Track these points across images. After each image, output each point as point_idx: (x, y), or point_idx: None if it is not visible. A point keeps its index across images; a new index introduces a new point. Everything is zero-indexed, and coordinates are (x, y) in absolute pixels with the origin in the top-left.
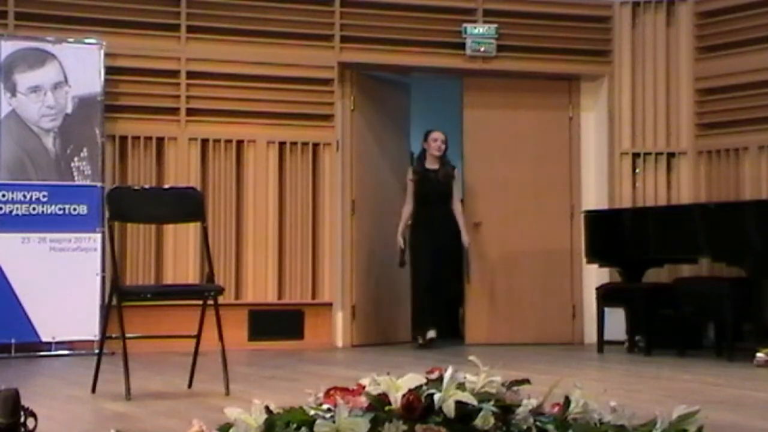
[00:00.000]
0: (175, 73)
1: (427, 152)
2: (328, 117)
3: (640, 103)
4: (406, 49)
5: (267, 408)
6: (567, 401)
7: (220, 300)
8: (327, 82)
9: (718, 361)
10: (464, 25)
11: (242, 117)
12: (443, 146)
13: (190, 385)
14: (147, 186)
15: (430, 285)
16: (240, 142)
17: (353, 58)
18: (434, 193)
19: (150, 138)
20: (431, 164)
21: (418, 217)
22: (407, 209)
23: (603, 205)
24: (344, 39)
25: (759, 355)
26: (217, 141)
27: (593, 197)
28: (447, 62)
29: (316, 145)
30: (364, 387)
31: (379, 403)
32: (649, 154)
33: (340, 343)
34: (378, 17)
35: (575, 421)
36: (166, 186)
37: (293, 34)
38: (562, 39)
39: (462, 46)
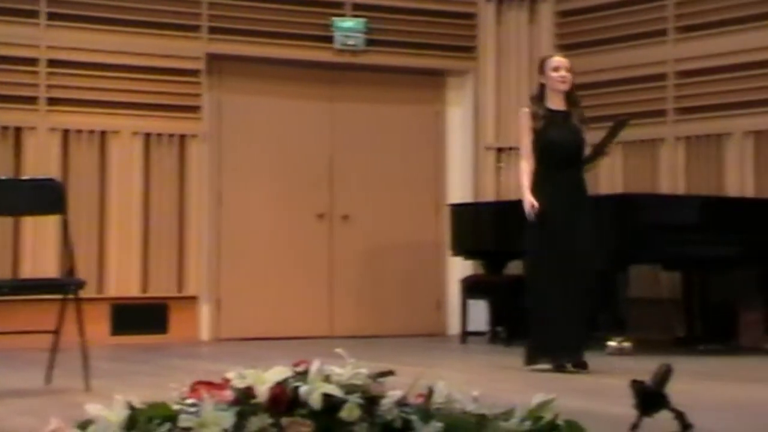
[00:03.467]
0: (33, 61)
1: (547, 87)
2: (195, 108)
3: (503, 98)
4: (276, 41)
5: (129, 404)
6: (431, 392)
7: (82, 294)
8: (194, 73)
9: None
10: (333, 18)
11: (106, 107)
12: (570, 76)
13: (48, 382)
14: (3, 177)
15: (561, 290)
16: (104, 133)
17: (221, 50)
18: (567, 145)
19: (7, 127)
20: (556, 104)
21: (543, 182)
22: (527, 165)
23: (468, 198)
24: (212, 30)
25: (610, 343)
26: (79, 131)
27: (458, 191)
28: (316, 55)
29: (183, 137)
30: (229, 381)
31: (245, 397)
32: (513, 148)
33: (205, 337)
34: (246, 9)
35: (439, 411)
36: (24, 177)
37: (160, 24)
38: (429, 34)
39: (331, 39)
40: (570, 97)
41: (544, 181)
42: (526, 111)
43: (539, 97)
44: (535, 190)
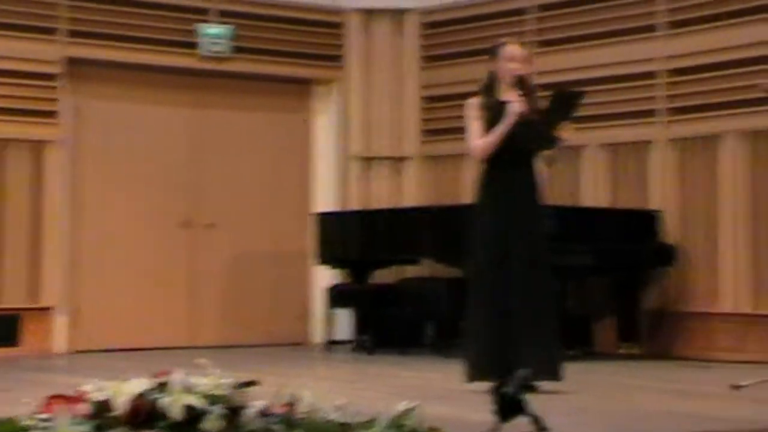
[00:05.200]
0: None
1: (499, 78)
2: (52, 113)
3: (370, 108)
4: (138, 46)
5: None
6: (294, 401)
7: None
8: (52, 77)
9: (437, 358)
10: (198, 24)
11: None
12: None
13: None
14: None
15: (515, 302)
16: None
17: (81, 54)
18: (520, 140)
19: None
20: (508, 95)
21: (492, 183)
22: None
23: (333, 207)
24: (71, 33)
25: None
26: None
27: (324, 199)
28: (180, 61)
29: (39, 143)
30: (85, 394)
31: (102, 410)
32: (379, 158)
33: (61, 349)
34: (108, 12)
35: (302, 421)
36: None
37: (16, 26)
38: (296, 43)
39: (196, 45)
40: (523, 86)
41: (493, 181)
42: (473, 101)
43: (489, 87)
44: (483, 191)
